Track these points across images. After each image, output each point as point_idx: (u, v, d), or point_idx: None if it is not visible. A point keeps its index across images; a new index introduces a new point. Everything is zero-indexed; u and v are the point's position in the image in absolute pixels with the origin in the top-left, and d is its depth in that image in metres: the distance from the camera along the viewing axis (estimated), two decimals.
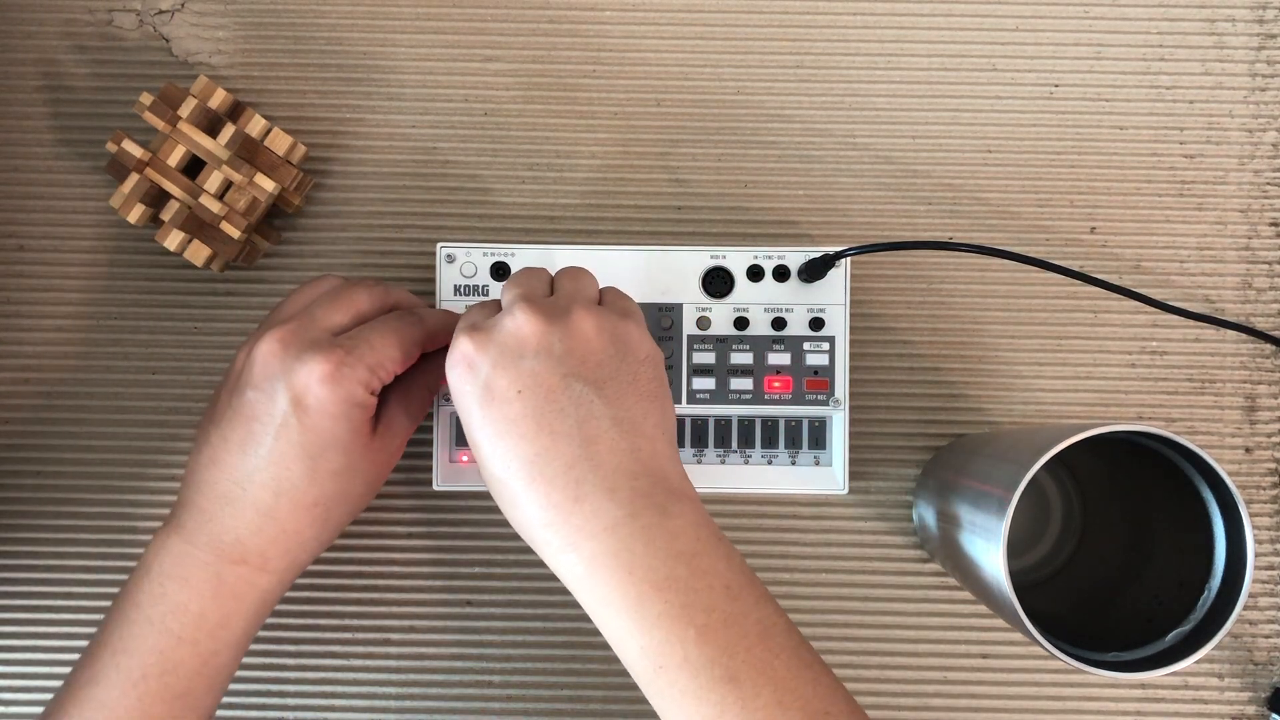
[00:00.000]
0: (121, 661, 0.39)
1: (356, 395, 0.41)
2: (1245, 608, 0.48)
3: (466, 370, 0.39)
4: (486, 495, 0.52)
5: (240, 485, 0.40)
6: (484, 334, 0.39)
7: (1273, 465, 0.52)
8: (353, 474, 0.42)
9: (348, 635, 0.52)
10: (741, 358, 0.49)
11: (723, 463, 0.49)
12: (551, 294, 0.42)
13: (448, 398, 0.48)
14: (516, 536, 0.51)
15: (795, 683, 0.36)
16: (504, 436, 0.38)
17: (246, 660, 0.51)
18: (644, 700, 0.51)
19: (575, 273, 0.43)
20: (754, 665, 0.36)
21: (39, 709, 0.51)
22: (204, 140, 0.48)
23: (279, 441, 0.40)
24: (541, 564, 0.51)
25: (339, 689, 0.51)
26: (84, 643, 0.51)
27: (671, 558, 0.37)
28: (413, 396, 0.45)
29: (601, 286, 0.43)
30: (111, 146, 0.48)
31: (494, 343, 0.38)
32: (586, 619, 0.51)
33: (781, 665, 0.36)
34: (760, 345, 0.49)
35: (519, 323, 0.38)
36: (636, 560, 0.36)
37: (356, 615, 0.52)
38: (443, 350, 0.46)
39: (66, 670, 0.51)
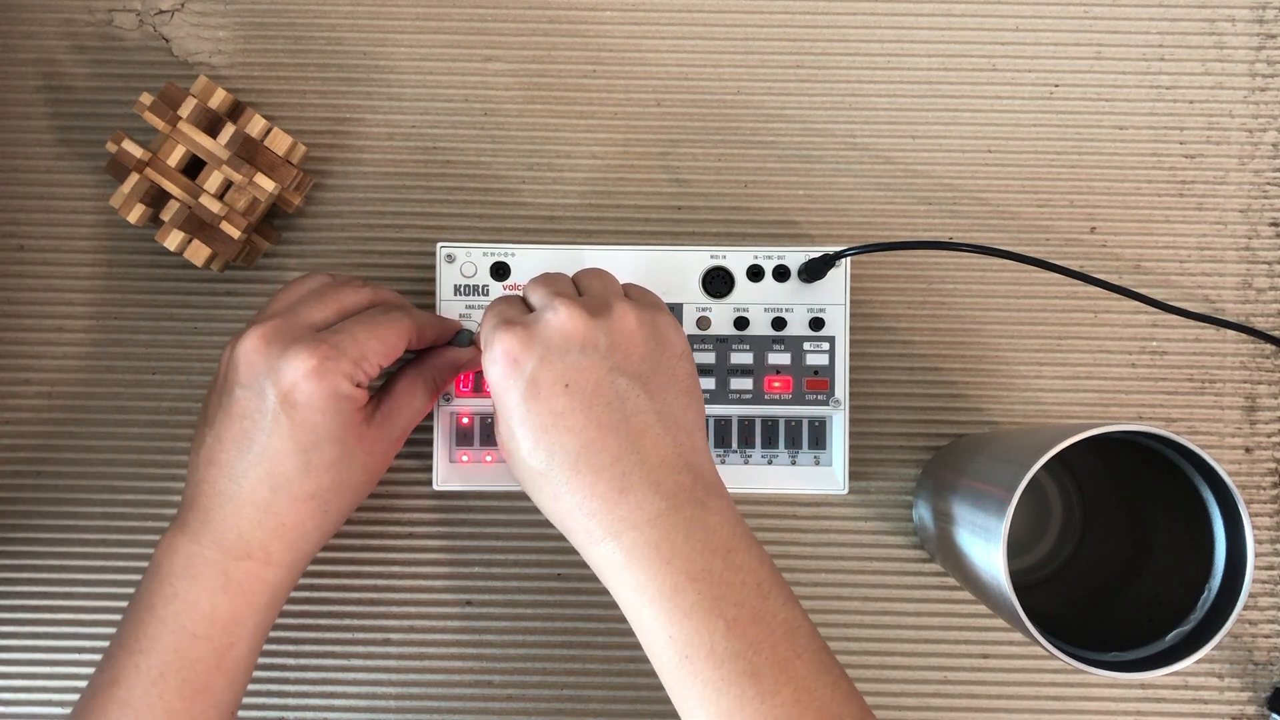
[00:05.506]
0: (140, 661, 0.40)
1: (342, 388, 0.41)
2: (1245, 608, 0.47)
3: (511, 365, 0.39)
4: (487, 495, 0.52)
5: (236, 482, 0.41)
6: (527, 330, 0.39)
7: (1273, 465, 0.52)
8: (348, 464, 0.42)
9: (348, 635, 0.52)
10: (741, 358, 0.49)
11: (723, 462, 0.49)
12: (580, 294, 0.42)
13: (449, 397, 0.48)
14: (517, 537, 0.52)
15: (814, 684, 0.37)
16: (549, 430, 0.38)
17: None
18: (643, 701, 0.51)
19: (598, 272, 0.43)
20: (777, 663, 0.36)
21: (40, 709, 0.51)
22: (204, 140, 0.48)
23: (271, 438, 0.40)
24: (541, 564, 0.52)
25: (339, 689, 0.51)
26: (85, 642, 0.51)
27: (709, 551, 0.38)
28: (417, 388, 0.45)
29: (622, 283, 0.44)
30: (111, 146, 0.48)
31: (539, 338, 0.39)
32: (587, 619, 0.52)
33: (803, 666, 0.37)
34: (760, 345, 0.49)
35: (563, 318, 0.39)
36: (676, 551, 0.37)
37: (356, 615, 0.52)
38: (447, 347, 0.47)
39: (67, 669, 0.51)
